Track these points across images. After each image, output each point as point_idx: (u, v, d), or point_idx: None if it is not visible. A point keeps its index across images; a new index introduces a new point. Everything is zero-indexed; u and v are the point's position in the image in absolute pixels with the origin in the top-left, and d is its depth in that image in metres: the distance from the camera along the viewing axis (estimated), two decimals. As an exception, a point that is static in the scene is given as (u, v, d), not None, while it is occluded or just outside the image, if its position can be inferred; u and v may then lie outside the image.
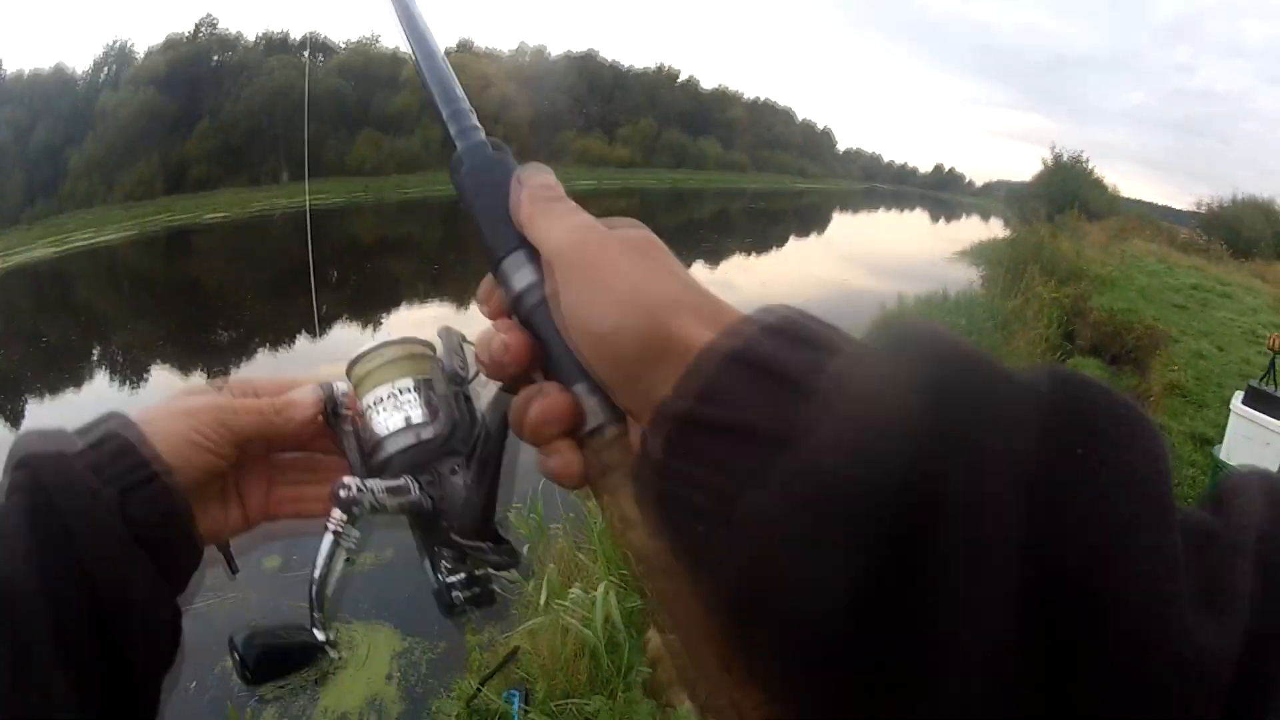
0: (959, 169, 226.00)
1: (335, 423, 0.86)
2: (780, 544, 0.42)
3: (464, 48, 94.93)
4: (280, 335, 22.29)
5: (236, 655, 0.73)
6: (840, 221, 71.95)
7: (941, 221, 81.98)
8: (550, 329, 0.60)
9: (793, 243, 49.83)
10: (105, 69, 79.41)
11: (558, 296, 0.59)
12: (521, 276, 0.63)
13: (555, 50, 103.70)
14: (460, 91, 0.74)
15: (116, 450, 0.73)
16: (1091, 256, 22.04)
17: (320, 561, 0.75)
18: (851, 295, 24.06)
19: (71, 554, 0.66)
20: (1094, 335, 16.05)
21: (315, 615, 0.75)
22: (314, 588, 0.75)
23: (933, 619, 0.37)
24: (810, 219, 69.48)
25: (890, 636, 0.38)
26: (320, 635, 0.75)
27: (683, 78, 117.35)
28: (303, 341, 21.18)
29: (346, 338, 21.23)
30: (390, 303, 24.09)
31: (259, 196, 59.20)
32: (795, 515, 0.42)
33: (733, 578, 0.44)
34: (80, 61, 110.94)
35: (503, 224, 0.65)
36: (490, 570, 0.79)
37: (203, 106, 74.19)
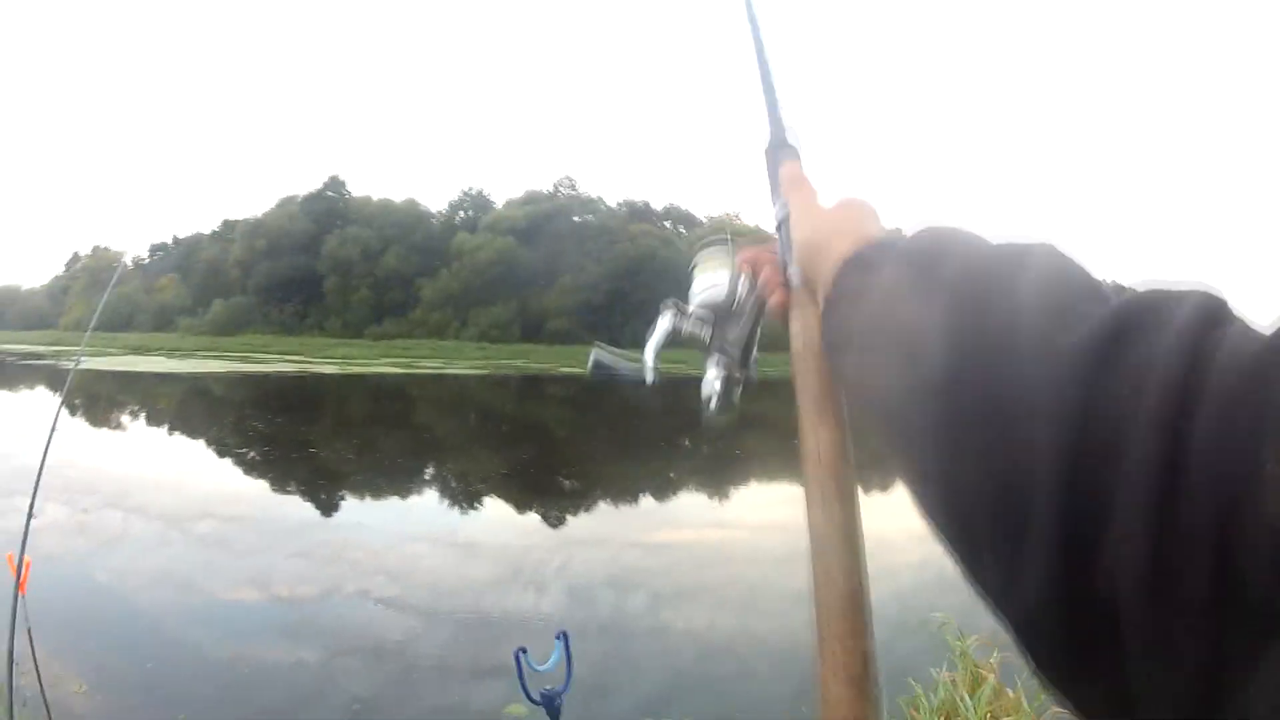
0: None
1: None
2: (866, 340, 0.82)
3: (732, 218, 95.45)
4: (624, 493, 21.29)
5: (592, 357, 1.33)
6: None
7: None
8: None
9: None
10: (461, 211, 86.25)
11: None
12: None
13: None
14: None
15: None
16: None
17: (658, 330, 1.29)
18: None
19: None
20: None
21: (650, 364, 1.28)
22: (650, 346, 1.29)
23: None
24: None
25: None
26: (648, 377, 1.28)
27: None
28: (647, 501, 20.75)
29: (690, 504, 20.78)
30: (739, 477, 22.30)
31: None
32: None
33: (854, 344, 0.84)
34: (433, 199, 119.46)
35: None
36: (736, 383, 1.28)
37: (562, 261, 76.30)
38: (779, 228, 1.18)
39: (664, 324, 1.26)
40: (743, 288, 1.26)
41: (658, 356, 1.27)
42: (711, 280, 1.29)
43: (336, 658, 9.33)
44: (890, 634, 10.22)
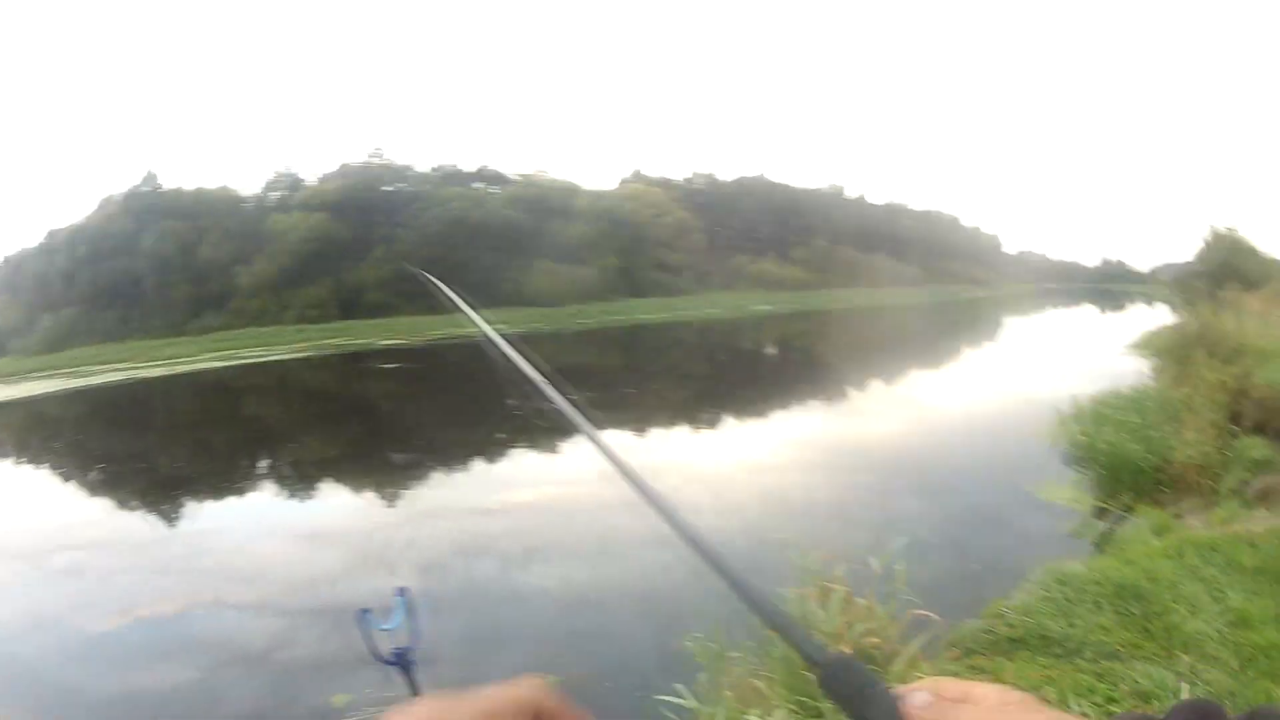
0: (1124, 258, 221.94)
1: None
2: None
3: (637, 177, 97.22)
4: (457, 460, 21.79)
5: None
6: (1013, 326, 72.23)
7: (1111, 314, 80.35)
8: None
9: (967, 353, 48.66)
10: (274, 192, 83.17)
11: None
12: None
13: (726, 175, 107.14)
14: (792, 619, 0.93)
15: None
16: (1252, 330, 20.36)
17: None
18: (1029, 402, 23.61)
19: None
20: (1258, 412, 15.25)
21: None
22: None
23: None
24: (983, 328, 68.77)
25: None
26: None
27: (851, 194, 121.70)
28: (481, 466, 21.14)
29: (524, 463, 21.28)
30: (565, 432, 23.12)
31: (437, 324, 59.64)
32: None
33: None
34: (246, 183, 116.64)
35: (880, 702, 0.77)
36: None
37: (376, 233, 76.11)
38: None
39: None
40: None
41: None
42: None
43: (216, 672, 9.55)
44: (740, 563, 11.32)
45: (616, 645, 9.54)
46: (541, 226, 79.04)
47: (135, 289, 73.23)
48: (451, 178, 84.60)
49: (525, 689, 0.75)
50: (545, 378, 1.55)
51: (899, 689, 0.75)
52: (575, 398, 1.36)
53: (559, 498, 16.89)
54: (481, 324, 2.05)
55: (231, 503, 18.77)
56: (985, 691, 0.71)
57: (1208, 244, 40.91)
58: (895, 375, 36.36)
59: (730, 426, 25.75)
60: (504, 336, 1.73)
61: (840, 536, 11.60)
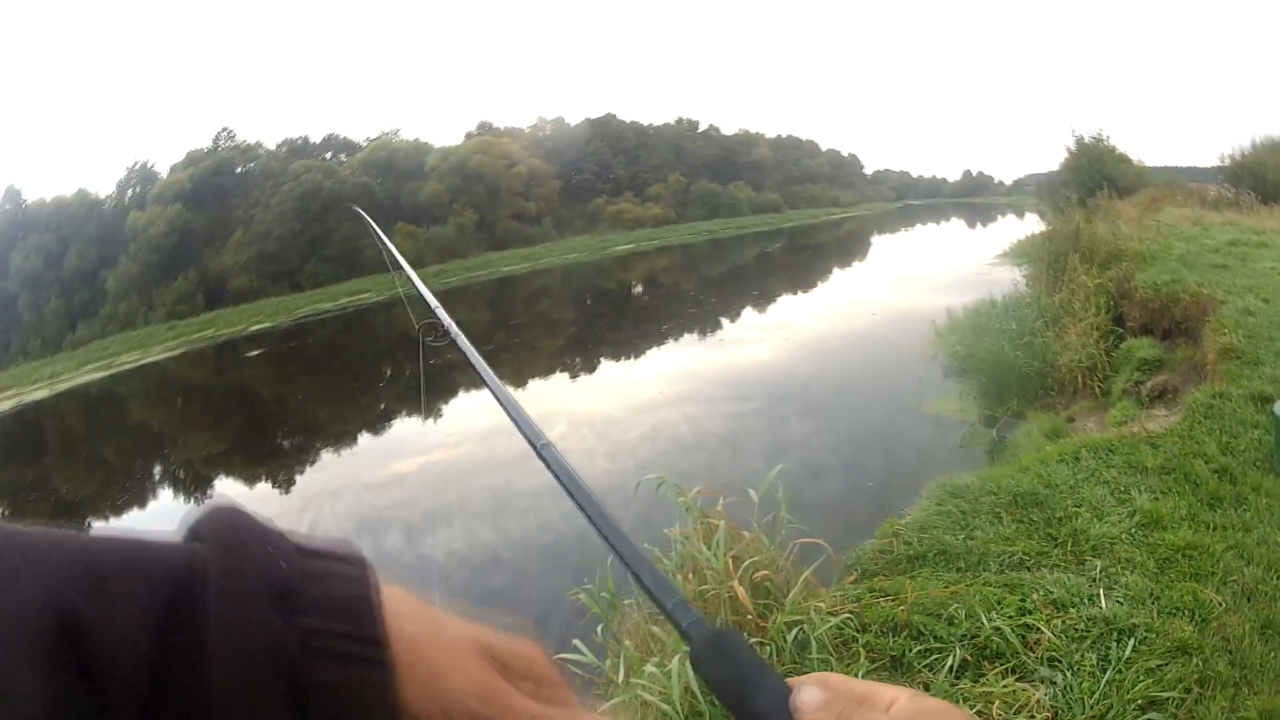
0: (987, 171, 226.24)
1: None
2: None
3: (484, 129, 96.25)
4: (344, 436, 22.02)
5: None
6: (880, 245, 72.60)
7: (979, 226, 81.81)
8: None
9: (837, 274, 49.33)
10: (129, 189, 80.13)
11: None
12: None
13: (574, 118, 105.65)
14: (672, 583, 0.81)
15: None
16: (1128, 234, 21.07)
17: None
18: (903, 317, 24.54)
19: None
20: (1143, 314, 15.32)
21: None
22: None
23: None
24: (851, 247, 69.90)
25: None
26: None
27: (703, 127, 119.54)
28: (367, 439, 21.37)
29: (410, 430, 21.11)
30: (448, 391, 23.10)
31: (301, 302, 59.06)
32: None
33: None
34: (102, 184, 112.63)
35: (764, 691, 0.67)
36: None
37: (234, 217, 74.48)
38: None
39: None
40: None
41: None
42: None
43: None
44: (623, 500, 11.41)
45: (535, 601, 9.49)
46: (395, 189, 78.63)
47: (11, 311, 70.71)
48: (300, 151, 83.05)
49: (504, 636, 0.73)
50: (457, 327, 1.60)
51: (788, 680, 0.69)
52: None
53: (451, 459, 17.01)
54: (403, 263, 2.32)
55: (134, 515, 18.62)
56: (894, 695, 0.66)
57: (1072, 153, 41.77)
58: (768, 302, 36.74)
59: (610, 368, 26.08)
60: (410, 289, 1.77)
61: (734, 466, 11.60)
